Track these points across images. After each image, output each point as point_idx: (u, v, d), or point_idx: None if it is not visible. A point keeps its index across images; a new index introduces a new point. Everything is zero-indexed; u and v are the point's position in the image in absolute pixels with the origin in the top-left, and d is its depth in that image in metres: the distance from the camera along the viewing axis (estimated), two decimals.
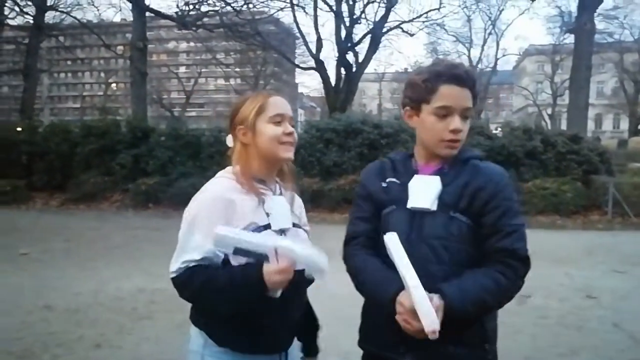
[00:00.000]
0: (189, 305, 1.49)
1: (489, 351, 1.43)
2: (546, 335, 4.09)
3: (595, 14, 16.40)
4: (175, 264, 1.40)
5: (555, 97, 37.17)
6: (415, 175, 1.48)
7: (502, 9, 35.12)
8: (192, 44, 50.17)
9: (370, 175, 1.60)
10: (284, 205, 1.50)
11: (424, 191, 1.44)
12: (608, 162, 11.68)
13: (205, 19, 19.06)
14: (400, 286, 1.33)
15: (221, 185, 1.46)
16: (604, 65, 32.64)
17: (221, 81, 54.42)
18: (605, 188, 10.56)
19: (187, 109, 44.76)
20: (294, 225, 1.52)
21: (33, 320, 4.30)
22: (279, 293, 1.34)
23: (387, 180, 1.53)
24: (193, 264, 1.38)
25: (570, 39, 18.68)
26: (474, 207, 1.40)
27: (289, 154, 1.50)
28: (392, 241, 1.35)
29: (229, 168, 1.51)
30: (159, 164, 12.10)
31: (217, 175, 1.51)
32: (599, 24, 18.14)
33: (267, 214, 1.44)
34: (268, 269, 1.30)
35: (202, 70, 46.89)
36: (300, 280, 1.42)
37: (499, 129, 13.19)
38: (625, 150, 19.93)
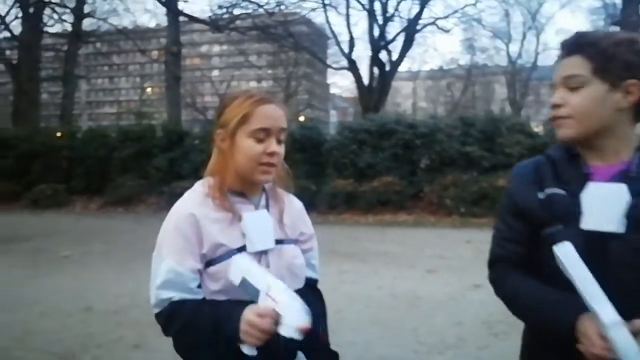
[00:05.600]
0: None
1: None
2: None
3: None
4: (153, 297, 1.27)
5: None
6: (590, 183, 1.12)
7: (543, 2, 34.11)
8: (224, 47, 50.89)
9: (520, 183, 1.24)
10: (265, 222, 1.28)
11: (605, 206, 1.09)
12: None
13: (238, 22, 19.20)
14: (580, 309, 1.02)
15: (189, 201, 1.30)
16: None
17: (253, 83, 54.89)
18: None
19: None
20: (279, 242, 1.30)
21: (73, 322, 4.35)
22: (253, 352, 1.10)
23: (546, 190, 1.17)
24: (176, 298, 1.23)
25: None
26: None
27: (266, 176, 1.27)
28: (568, 254, 1.02)
29: (205, 179, 1.34)
30: (193, 167, 12.17)
31: (193, 187, 1.35)
32: None
33: (243, 234, 1.25)
34: (247, 310, 1.10)
35: (235, 73, 47.39)
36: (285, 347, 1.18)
37: (540, 126, 12.79)
38: None
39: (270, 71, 41.57)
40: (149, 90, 51.67)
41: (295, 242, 1.36)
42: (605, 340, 0.96)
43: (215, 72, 57.72)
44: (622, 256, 1.05)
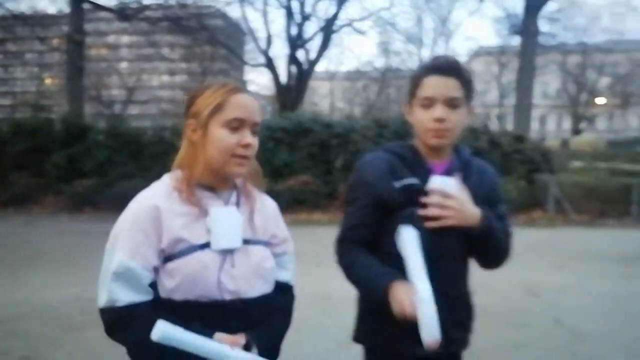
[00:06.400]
0: None
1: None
2: (489, 331, 4.09)
3: (540, 16, 16.95)
4: (103, 293, 1.17)
5: (502, 98, 38.55)
6: (434, 177, 1.45)
7: (452, 10, 35.93)
8: (134, 37, 48.57)
9: (378, 175, 1.48)
10: (233, 219, 1.23)
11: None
12: (550, 161, 12.16)
13: (148, 12, 18.39)
14: (394, 278, 1.34)
15: (154, 193, 1.23)
16: (549, 67, 34.02)
17: (166, 77, 52.91)
18: (547, 186, 10.97)
19: (129, 107, 43.16)
20: (247, 241, 1.25)
21: None
22: None
23: (404, 181, 1.46)
24: (122, 303, 1.15)
25: (517, 40, 19.23)
26: (485, 204, 1.49)
27: (239, 169, 1.23)
28: (409, 238, 1.32)
29: (173, 172, 1.28)
30: (96, 164, 11.52)
31: (161, 179, 1.29)
32: (544, 26, 18.72)
33: (209, 230, 1.20)
34: None
35: (145, 65, 45.38)
36: None
37: None
38: (567, 149, 20.79)
39: (184, 65, 40.13)
40: (48, 81, 48.20)
41: (266, 244, 1.32)
42: (413, 304, 1.26)
43: (124, 64, 54.88)
44: (456, 230, 1.41)
